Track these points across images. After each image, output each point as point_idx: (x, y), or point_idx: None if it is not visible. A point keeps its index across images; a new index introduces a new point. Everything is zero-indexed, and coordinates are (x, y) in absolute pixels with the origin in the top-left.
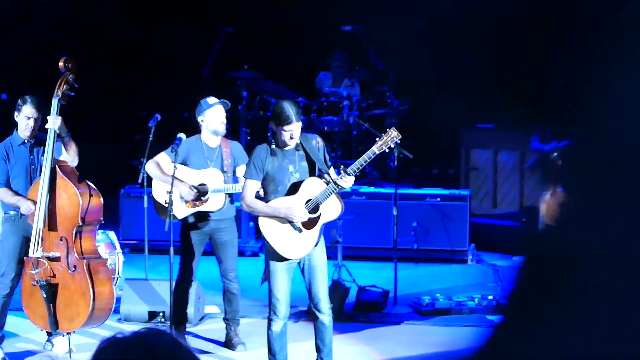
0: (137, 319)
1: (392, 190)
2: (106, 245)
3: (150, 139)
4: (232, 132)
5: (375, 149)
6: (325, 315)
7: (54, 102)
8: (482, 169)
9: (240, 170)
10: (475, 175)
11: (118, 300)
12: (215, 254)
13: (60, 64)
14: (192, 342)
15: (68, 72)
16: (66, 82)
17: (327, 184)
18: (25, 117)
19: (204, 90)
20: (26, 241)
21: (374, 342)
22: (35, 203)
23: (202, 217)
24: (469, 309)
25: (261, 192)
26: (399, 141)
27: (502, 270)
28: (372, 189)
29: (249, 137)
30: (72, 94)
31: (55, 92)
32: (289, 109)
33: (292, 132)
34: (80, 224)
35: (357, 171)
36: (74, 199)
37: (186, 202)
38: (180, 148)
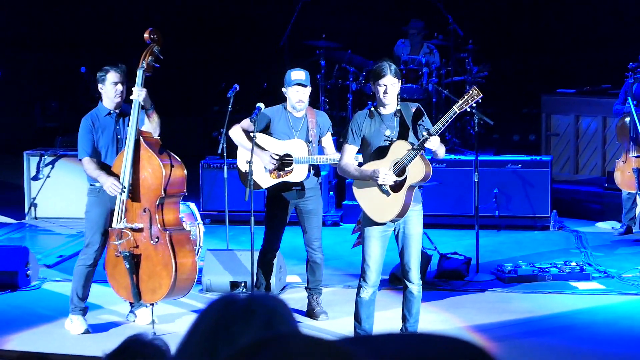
0: (219, 290)
1: (472, 157)
2: (187, 216)
3: (229, 109)
4: (311, 101)
5: (455, 108)
6: (415, 285)
7: (139, 74)
8: (563, 135)
9: (326, 139)
10: (556, 141)
11: (199, 271)
12: (299, 223)
13: (146, 35)
14: None
15: (153, 43)
16: (151, 53)
17: (413, 147)
18: (112, 83)
19: (283, 60)
20: (111, 213)
21: (457, 309)
22: (118, 178)
23: (287, 187)
24: (552, 276)
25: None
26: (481, 100)
27: (585, 236)
28: (452, 156)
29: (327, 107)
30: (158, 65)
31: (140, 63)
32: (386, 63)
33: (387, 86)
34: (163, 195)
35: (439, 131)
36: (157, 170)
37: (270, 172)
38: (263, 117)
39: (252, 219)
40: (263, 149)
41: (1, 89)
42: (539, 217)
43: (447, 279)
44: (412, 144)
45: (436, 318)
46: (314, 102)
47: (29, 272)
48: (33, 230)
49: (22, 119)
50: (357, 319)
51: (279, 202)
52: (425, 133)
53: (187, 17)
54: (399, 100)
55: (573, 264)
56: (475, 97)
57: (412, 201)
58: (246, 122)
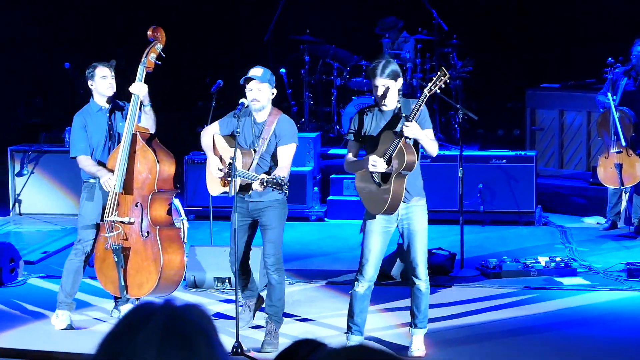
0: (203, 286)
1: (457, 153)
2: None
3: (213, 105)
4: (295, 97)
5: (426, 92)
6: (422, 282)
7: (140, 69)
8: (548, 130)
9: (281, 151)
10: (541, 135)
11: None
12: None
13: (149, 32)
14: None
15: (156, 41)
16: (154, 50)
17: (395, 136)
18: (101, 77)
19: (267, 55)
20: (103, 208)
21: (441, 305)
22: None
23: (241, 196)
24: (536, 271)
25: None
26: (449, 80)
27: (570, 231)
28: None
29: (311, 102)
30: (159, 62)
31: (142, 59)
32: (380, 63)
33: (378, 87)
34: (156, 190)
35: (415, 116)
36: (152, 165)
37: (220, 178)
38: (230, 119)
39: (236, 215)
40: (217, 155)
41: None
42: (523, 212)
43: (432, 274)
44: (396, 132)
45: None
46: (298, 98)
47: (13, 268)
48: (17, 227)
49: (6, 115)
50: (351, 312)
51: (237, 209)
52: (403, 120)
53: (171, 12)
54: (401, 96)
55: (558, 259)
56: (442, 77)
57: (406, 191)
58: (214, 126)
